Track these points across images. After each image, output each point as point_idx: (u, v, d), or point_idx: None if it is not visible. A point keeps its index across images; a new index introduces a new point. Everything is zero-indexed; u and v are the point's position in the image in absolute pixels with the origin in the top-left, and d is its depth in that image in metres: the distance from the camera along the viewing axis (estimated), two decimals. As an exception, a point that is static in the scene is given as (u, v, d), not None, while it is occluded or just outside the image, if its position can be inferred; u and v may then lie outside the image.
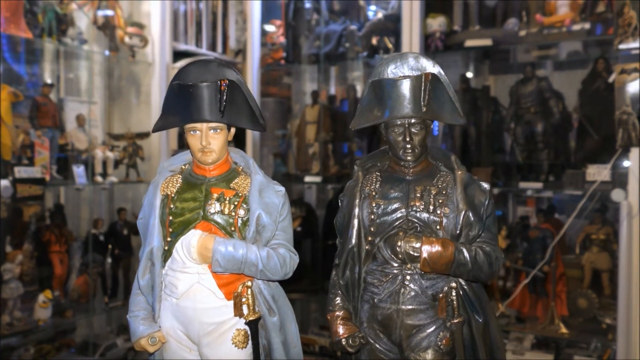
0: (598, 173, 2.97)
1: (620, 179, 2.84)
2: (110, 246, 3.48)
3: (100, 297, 3.47)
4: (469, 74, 3.78)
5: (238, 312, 1.23)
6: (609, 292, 3.07)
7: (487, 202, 1.20)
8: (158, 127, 1.25)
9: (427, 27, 3.35)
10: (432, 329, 1.21)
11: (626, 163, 2.81)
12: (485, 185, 1.22)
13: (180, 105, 1.20)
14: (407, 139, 1.19)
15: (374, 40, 3.59)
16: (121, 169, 3.63)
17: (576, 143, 3.26)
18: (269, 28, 4.06)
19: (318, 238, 3.78)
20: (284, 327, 1.29)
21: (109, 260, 3.46)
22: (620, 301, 2.74)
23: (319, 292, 3.73)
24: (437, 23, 3.36)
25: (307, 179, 3.73)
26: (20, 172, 3.00)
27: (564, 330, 3.06)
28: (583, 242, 3.22)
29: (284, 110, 4.22)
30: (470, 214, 1.16)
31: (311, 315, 3.89)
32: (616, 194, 2.76)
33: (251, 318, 1.23)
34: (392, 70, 1.19)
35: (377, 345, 1.26)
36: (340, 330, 1.24)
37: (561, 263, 3.20)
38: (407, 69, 1.18)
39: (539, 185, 3.14)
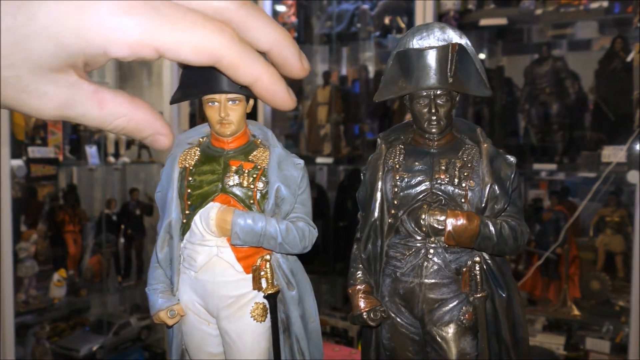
0: (614, 154, 2.92)
1: (636, 161, 2.80)
2: (123, 226, 3.50)
3: (113, 276, 3.50)
4: (482, 55, 3.72)
5: (257, 285, 1.23)
6: (623, 275, 3.05)
7: (513, 176, 1.18)
8: (175, 99, 1.24)
9: (441, 6, 3.29)
10: (454, 303, 1.20)
11: (643, 144, 2.77)
12: (512, 159, 1.20)
13: (198, 77, 1.19)
14: (433, 111, 1.16)
15: (387, 20, 3.54)
16: (133, 149, 3.63)
17: (592, 124, 3.22)
18: (280, 8, 4.01)
19: (329, 219, 3.78)
20: (303, 301, 1.28)
21: (122, 240, 3.49)
22: (633, 284, 2.72)
23: (330, 273, 3.74)
24: (451, 2, 3.30)
25: (319, 160, 3.72)
26: (34, 152, 3.01)
27: (576, 312, 3.05)
28: (597, 224, 3.20)
29: (295, 91, 4.17)
30: (496, 187, 1.14)
31: (322, 296, 3.90)
32: (632, 176, 2.72)
33: (270, 291, 1.23)
34: (417, 41, 1.16)
35: (399, 320, 1.25)
36: (362, 304, 1.23)
37: (574, 245, 3.18)
38: (433, 39, 1.15)
39: (553, 167, 3.11)
